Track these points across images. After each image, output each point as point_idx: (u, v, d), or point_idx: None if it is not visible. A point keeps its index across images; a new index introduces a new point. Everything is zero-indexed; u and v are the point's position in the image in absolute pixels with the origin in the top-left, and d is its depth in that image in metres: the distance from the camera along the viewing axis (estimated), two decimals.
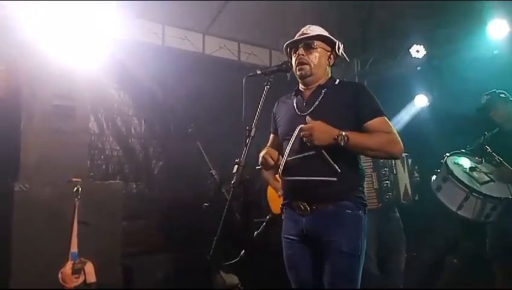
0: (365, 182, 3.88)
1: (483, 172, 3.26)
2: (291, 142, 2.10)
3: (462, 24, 4.83)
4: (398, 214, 4.09)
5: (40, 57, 3.16)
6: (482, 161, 3.31)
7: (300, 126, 2.06)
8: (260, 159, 2.26)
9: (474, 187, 3.09)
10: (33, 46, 3.17)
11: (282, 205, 2.34)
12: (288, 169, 2.15)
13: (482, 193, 3.07)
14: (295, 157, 2.13)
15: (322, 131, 2.02)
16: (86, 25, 3.61)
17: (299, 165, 2.14)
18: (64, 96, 3.22)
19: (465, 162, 3.37)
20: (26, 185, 2.83)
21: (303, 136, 2.04)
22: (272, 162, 2.20)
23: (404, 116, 5.55)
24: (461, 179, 3.14)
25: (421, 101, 5.49)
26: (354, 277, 2.10)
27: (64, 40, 3.35)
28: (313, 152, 2.08)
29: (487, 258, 3.66)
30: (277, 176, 3.56)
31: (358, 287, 2.11)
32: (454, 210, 3.14)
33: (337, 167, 2.06)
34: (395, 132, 2.14)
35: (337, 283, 2.07)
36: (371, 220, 3.95)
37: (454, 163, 3.32)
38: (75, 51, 3.42)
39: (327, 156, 2.06)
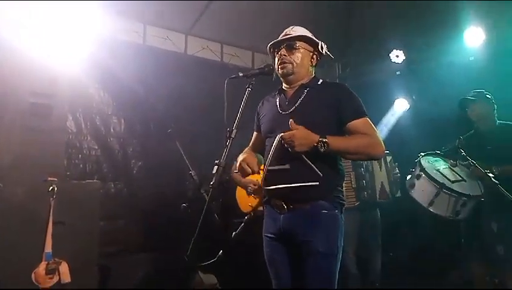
0: (344, 182, 3.98)
1: (455, 172, 3.35)
2: (272, 150, 2.09)
3: (440, 31, 4.96)
4: (378, 213, 4.16)
5: (17, 54, 3.12)
6: (456, 163, 3.39)
7: (281, 134, 2.06)
8: (238, 165, 2.24)
9: (445, 183, 3.16)
10: (10, 43, 3.11)
11: (263, 202, 2.36)
12: (270, 177, 2.16)
13: (452, 189, 3.14)
14: (275, 168, 2.12)
15: (303, 138, 2.03)
16: (66, 22, 3.57)
17: (280, 172, 2.14)
18: (42, 95, 3.17)
19: (439, 162, 3.45)
20: (0, 185, 2.77)
21: (284, 143, 2.04)
22: (250, 171, 2.19)
23: (391, 118, 5.66)
24: (433, 176, 3.21)
25: (401, 105, 5.60)
26: (330, 276, 2.12)
27: (43, 38, 3.31)
28: (288, 165, 2.08)
29: (463, 259, 3.74)
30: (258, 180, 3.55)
31: (335, 287, 2.13)
32: (426, 206, 3.20)
33: (319, 172, 2.06)
34: (377, 133, 2.16)
35: (314, 282, 2.09)
36: (350, 219, 4.07)
37: (428, 162, 3.40)
38: (54, 49, 3.38)
39: (309, 162, 2.06)
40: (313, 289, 2.09)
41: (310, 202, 2.12)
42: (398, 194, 4.15)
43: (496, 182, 3.00)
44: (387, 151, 4.05)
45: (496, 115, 3.54)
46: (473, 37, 4.61)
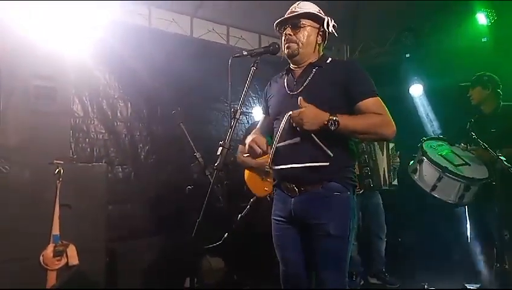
0: None
1: (459, 156, 3.29)
2: (280, 129, 2.03)
3: (451, 12, 4.83)
4: (380, 200, 4.14)
5: (22, 37, 3.07)
6: (467, 147, 3.33)
7: (290, 112, 2.00)
8: (247, 146, 2.17)
9: (448, 167, 3.11)
10: (14, 25, 3.08)
11: (273, 185, 2.32)
12: (279, 157, 2.10)
13: (455, 173, 3.09)
14: (284, 143, 2.06)
15: (313, 116, 1.97)
16: (71, 5, 3.52)
17: (289, 151, 2.09)
18: (46, 77, 3.13)
19: (442, 147, 3.41)
20: (6, 167, 2.77)
21: (293, 122, 1.99)
22: (259, 151, 2.11)
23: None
24: (435, 160, 3.17)
25: (416, 90, 5.50)
26: (342, 259, 2.10)
27: (48, 20, 3.26)
28: (298, 139, 2.02)
29: (469, 243, 3.71)
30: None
31: (347, 269, 2.12)
32: (428, 191, 3.17)
33: (329, 151, 2.01)
34: (388, 113, 2.08)
35: (326, 265, 2.08)
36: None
37: (431, 147, 3.36)
38: (59, 32, 3.33)
39: (318, 141, 2.01)
40: (324, 271, 2.08)
41: (321, 183, 2.08)
42: (395, 182, 4.15)
43: (509, 165, 2.94)
44: None
45: (500, 96, 3.47)
46: (486, 19, 4.49)
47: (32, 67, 3.08)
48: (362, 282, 4.20)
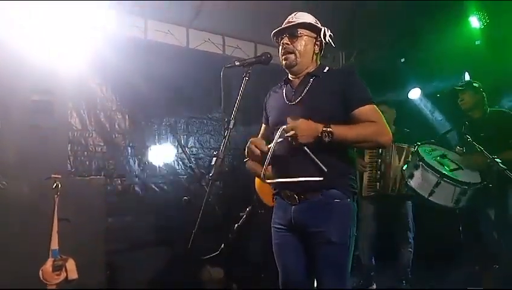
0: (368, 171, 3.94)
1: (452, 160, 3.33)
2: (273, 145, 2.03)
3: (445, 17, 4.87)
4: (407, 210, 4.03)
5: (18, 52, 3.11)
6: (463, 150, 3.36)
7: (283, 127, 2.01)
8: (246, 150, 2.19)
9: (445, 173, 3.14)
10: (11, 41, 3.11)
11: (273, 194, 2.34)
12: (275, 169, 2.13)
13: (452, 178, 3.12)
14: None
15: (306, 129, 1.98)
16: (67, 19, 3.56)
17: (285, 164, 2.12)
18: (43, 92, 3.17)
19: (436, 151, 3.42)
20: (4, 182, 2.78)
21: (287, 136, 1.99)
22: (258, 152, 2.11)
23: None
24: (432, 165, 3.18)
25: (415, 94, 5.50)
26: (342, 266, 2.09)
27: (44, 34, 3.30)
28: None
29: (464, 249, 3.72)
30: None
31: (348, 276, 2.11)
32: (426, 197, 3.17)
33: (323, 166, 2.02)
34: (384, 120, 2.10)
35: (326, 272, 2.08)
36: (369, 207, 4.00)
37: (425, 151, 3.37)
38: (55, 45, 3.37)
39: (313, 156, 2.02)
40: (325, 279, 2.08)
41: (321, 191, 2.09)
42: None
43: (505, 167, 2.96)
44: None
45: (486, 103, 3.55)
46: (478, 22, 4.53)
47: (30, 83, 3.11)
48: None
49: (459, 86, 3.64)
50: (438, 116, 5.35)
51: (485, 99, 3.56)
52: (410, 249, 4.05)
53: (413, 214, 4.05)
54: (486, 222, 3.36)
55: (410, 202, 4.04)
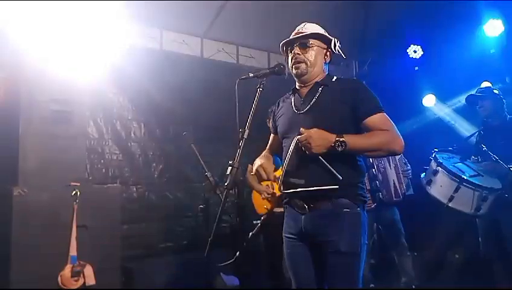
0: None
1: (471, 167, 3.28)
2: (289, 154, 2.06)
3: (459, 24, 4.86)
4: (396, 215, 4.06)
5: (38, 63, 3.19)
6: (478, 159, 3.32)
7: (297, 137, 2.03)
8: (254, 169, 2.22)
9: (465, 177, 3.08)
10: (31, 52, 3.21)
11: (283, 203, 2.34)
12: (288, 181, 2.14)
13: (473, 182, 3.05)
14: (292, 181, 2.11)
15: (320, 139, 1.99)
16: (84, 31, 3.65)
17: (299, 173, 2.12)
18: (62, 102, 3.25)
19: (453, 159, 3.39)
20: (25, 190, 2.86)
21: (301, 146, 2.02)
22: (265, 177, 2.17)
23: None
24: (452, 170, 3.14)
25: (429, 101, 5.48)
26: (354, 275, 2.09)
27: (62, 47, 3.38)
28: (303, 181, 2.07)
29: (481, 255, 3.66)
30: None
31: (360, 286, 2.11)
32: (445, 203, 3.12)
33: (338, 175, 2.03)
34: (395, 127, 2.11)
35: (338, 282, 2.07)
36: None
37: (443, 158, 3.33)
38: (73, 57, 3.45)
39: (328, 165, 2.03)
40: (337, 288, 2.07)
41: (331, 201, 2.09)
42: (410, 192, 4.06)
43: None
44: None
45: (506, 109, 3.50)
46: (493, 30, 4.50)
47: (50, 93, 3.19)
48: None
49: (479, 92, 3.59)
50: (453, 123, 5.29)
51: (505, 106, 3.51)
52: (408, 253, 4.07)
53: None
54: (508, 230, 3.27)
55: (396, 207, 4.05)
